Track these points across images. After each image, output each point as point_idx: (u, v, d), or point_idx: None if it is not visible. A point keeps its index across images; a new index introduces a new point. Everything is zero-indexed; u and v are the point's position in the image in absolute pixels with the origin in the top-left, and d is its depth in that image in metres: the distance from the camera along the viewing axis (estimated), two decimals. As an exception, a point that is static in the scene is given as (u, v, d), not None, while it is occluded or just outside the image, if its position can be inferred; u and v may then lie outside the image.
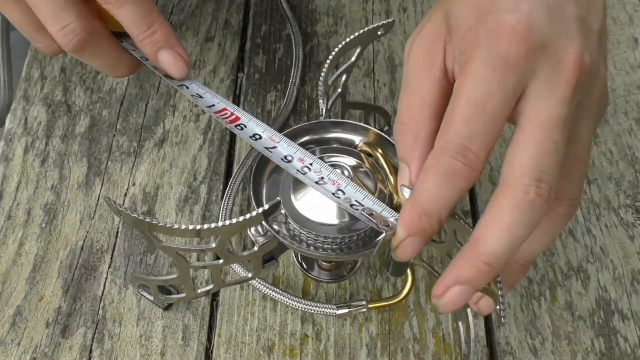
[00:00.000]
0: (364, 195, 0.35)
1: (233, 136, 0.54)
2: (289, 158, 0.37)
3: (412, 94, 0.34)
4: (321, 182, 0.36)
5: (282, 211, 0.37)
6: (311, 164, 0.36)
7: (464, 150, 0.30)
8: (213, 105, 0.39)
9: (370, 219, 0.34)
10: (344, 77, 0.44)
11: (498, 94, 0.30)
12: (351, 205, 0.35)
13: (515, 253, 0.31)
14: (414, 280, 0.43)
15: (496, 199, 0.31)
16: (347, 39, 0.41)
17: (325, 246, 0.36)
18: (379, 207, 0.35)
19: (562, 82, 0.30)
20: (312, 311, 0.44)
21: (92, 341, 0.44)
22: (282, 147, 0.37)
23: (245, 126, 0.38)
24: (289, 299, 0.44)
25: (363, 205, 0.35)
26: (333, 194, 0.35)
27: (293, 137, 0.39)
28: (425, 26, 0.35)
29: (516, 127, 0.31)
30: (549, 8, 0.31)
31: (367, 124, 0.40)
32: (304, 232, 0.36)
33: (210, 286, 0.40)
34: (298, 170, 0.36)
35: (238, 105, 0.56)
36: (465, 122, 0.30)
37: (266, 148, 0.37)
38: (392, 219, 0.34)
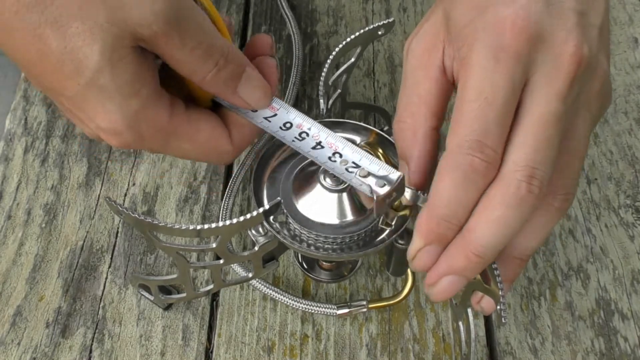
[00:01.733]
0: (361, 156, 0.34)
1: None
2: (287, 125, 0.36)
3: (410, 92, 0.34)
4: (318, 147, 0.35)
5: (283, 211, 0.37)
6: (309, 129, 0.36)
7: (480, 146, 0.30)
8: None
9: (364, 182, 0.33)
10: (344, 77, 0.44)
11: (506, 85, 0.30)
12: (347, 169, 0.34)
13: (506, 245, 0.31)
14: (414, 280, 0.43)
15: (489, 191, 0.30)
16: (348, 39, 0.41)
17: (326, 246, 0.36)
18: (377, 166, 0.34)
19: (560, 75, 0.30)
20: (312, 311, 0.44)
21: (92, 341, 0.44)
22: (282, 114, 0.36)
23: None
24: (289, 299, 0.44)
25: (360, 166, 0.34)
26: (329, 157, 0.34)
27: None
28: (424, 25, 0.35)
29: (514, 119, 0.31)
30: (546, 1, 0.31)
31: (367, 124, 0.40)
32: (304, 232, 0.36)
33: (211, 286, 0.40)
34: (296, 138, 0.35)
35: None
36: (476, 118, 0.30)
37: (265, 118, 0.36)
38: (391, 175, 0.33)
